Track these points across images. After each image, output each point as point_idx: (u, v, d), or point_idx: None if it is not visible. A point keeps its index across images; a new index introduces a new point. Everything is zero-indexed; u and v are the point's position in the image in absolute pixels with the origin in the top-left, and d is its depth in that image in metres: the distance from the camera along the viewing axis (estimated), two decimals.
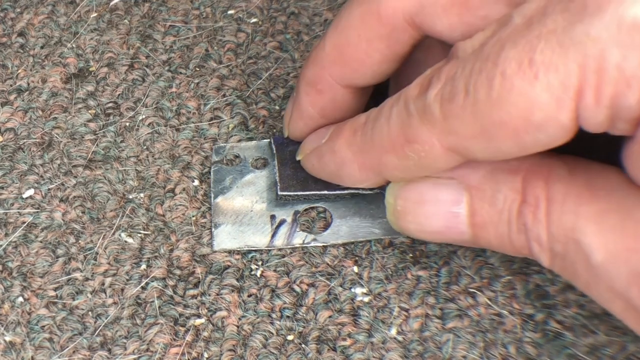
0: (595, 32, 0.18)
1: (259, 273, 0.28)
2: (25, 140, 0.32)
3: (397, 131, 0.23)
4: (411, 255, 0.28)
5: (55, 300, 0.28)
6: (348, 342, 0.27)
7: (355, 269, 0.28)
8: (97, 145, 0.32)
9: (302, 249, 0.29)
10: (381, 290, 0.28)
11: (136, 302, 0.28)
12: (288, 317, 0.27)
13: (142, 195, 0.30)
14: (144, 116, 0.32)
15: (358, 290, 0.28)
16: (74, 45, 0.35)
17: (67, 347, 0.27)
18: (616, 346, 0.26)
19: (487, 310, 0.27)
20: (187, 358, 0.26)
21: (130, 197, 0.30)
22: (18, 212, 0.30)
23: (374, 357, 0.26)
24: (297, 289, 0.28)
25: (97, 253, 0.29)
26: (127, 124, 0.32)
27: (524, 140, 0.20)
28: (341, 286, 0.28)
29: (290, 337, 0.27)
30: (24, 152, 0.32)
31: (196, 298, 0.28)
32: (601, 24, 0.18)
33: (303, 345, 0.27)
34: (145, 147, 0.32)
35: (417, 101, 0.22)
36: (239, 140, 0.32)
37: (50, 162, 0.31)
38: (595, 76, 0.18)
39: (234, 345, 0.27)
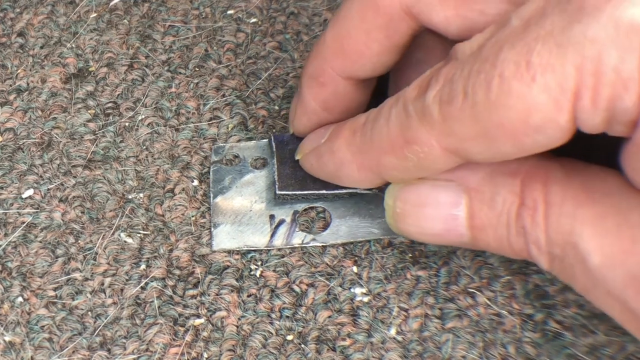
0: (592, 32, 0.18)
1: (258, 273, 0.28)
2: (24, 140, 0.32)
3: (396, 132, 0.23)
4: (410, 255, 0.28)
5: (55, 300, 0.28)
6: (347, 342, 0.27)
7: (355, 269, 0.28)
8: (96, 145, 0.32)
9: (302, 249, 0.29)
10: (380, 290, 0.28)
11: (136, 302, 0.28)
12: (287, 317, 0.27)
13: (141, 195, 0.30)
14: (143, 116, 0.32)
15: (357, 290, 0.28)
16: (73, 45, 0.35)
17: (67, 347, 0.27)
18: (615, 346, 0.26)
19: (486, 310, 0.27)
20: (186, 358, 0.27)
21: (130, 197, 0.30)
22: (17, 212, 0.30)
23: (373, 357, 0.26)
24: (297, 289, 0.28)
25: (96, 253, 0.29)
26: (127, 124, 0.32)
27: (523, 142, 0.20)
28: (340, 286, 0.28)
29: (289, 337, 0.27)
30: (23, 152, 0.32)
31: (195, 298, 0.28)
32: (599, 24, 0.18)
33: (302, 345, 0.27)
34: (144, 147, 0.32)
35: (416, 102, 0.22)
36: (239, 140, 0.32)
37: (49, 162, 0.31)
38: (593, 78, 0.18)
39: (233, 345, 0.27)
